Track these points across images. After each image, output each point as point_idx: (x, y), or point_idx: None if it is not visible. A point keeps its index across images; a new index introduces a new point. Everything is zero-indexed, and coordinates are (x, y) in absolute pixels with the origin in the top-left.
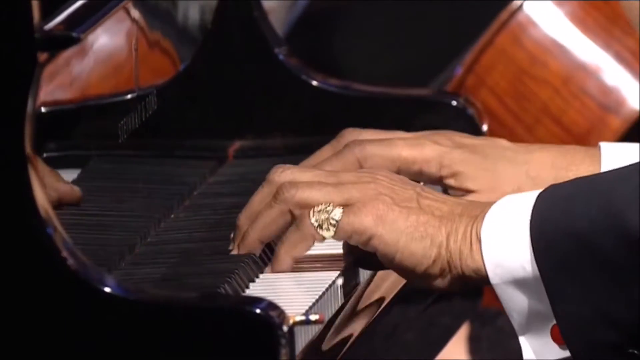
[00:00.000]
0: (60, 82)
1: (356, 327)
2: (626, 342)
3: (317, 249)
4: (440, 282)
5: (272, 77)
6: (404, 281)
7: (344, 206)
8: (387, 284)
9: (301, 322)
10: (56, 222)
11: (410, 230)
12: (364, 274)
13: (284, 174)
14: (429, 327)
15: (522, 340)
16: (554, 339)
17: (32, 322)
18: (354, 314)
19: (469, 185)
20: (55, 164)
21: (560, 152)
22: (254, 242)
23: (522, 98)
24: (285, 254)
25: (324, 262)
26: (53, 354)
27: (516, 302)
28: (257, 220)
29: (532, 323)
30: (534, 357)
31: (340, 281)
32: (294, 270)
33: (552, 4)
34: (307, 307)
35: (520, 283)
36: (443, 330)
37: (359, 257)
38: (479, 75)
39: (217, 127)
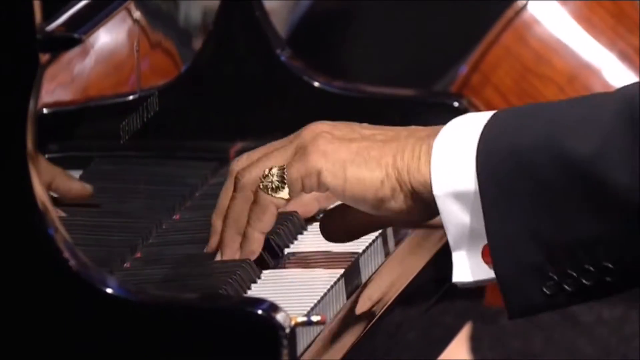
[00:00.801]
0: (62, 83)
1: (358, 327)
2: (549, 264)
3: (319, 249)
4: (394, 204)
5: (274, 78)
6: (407, 281)
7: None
8: (390, 283)
9: (303, 323)
10: (58, 223)
11: (352, 157)
12: (366, 274)
13: (239, 161)
14: (431, 326)
15: (455, 256)
16: (484, 259)
17: (34, 322)
18: (356, 314)
19: None
20: (57, 165)
21: None
22: (232, 237)
23: (527, 96)
24: (253, 231)
25: (325, 262)
26: (54, 354)
27: (454, 216)
28: (227, 215)
29: (466, 239)
30: (463, 274)
31: (342, 282)
32: (295, 269)
33: (556, 2)
34: (309, 308)
35: (460, 197)
36: (445, 330)
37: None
38: (484, 74)
39: (219, 128)
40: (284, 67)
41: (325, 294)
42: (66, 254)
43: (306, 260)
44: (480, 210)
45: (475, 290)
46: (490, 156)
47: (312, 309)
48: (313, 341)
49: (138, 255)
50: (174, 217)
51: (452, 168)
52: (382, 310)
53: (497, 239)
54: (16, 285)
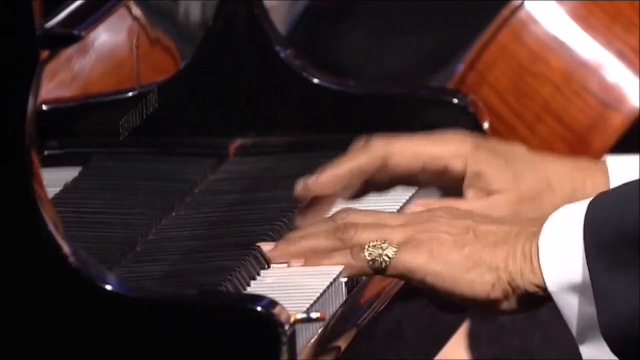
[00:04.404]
0: (62, 79)
1: (358, 324)
2: None
3: None
4: (506, 305)
5: (273, 75)
6: None
7: (398, 245)
8: (390, 279)
9: (302, 320)
10: (57, 220)
11: (463, 261)
12: None
13: (349, 216)
14: (431, 322)
15: (582, 350)
16: None
17: (33, 319)
18: (355, 311)
19: (491, 185)
20: (57, 161)
21: (575, 166)
22: (293, 255)
23: (523, 95)
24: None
25: None
26: (54, 351)
27: (573, 309)
28: (307, 238)
29: (589, 330)
30: None
31: (342, 278)
32: (295, 266)
33: (553, 1)
34: (308, 305)
35: (576, 289)
36: (446, 326)
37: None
38: (480, 73)
39: (218, 124)
40: (283, 64)
41: (324, 291)
42: (65, 251)
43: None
44: None
45: None
46: (597, 242)
47: (311, 305)
48: (313, 338)
49: (137, 251)
50: (173, 213)
51: (562, 261)
52: (382, 306)
53: (607, 320)
54: (15, 282)
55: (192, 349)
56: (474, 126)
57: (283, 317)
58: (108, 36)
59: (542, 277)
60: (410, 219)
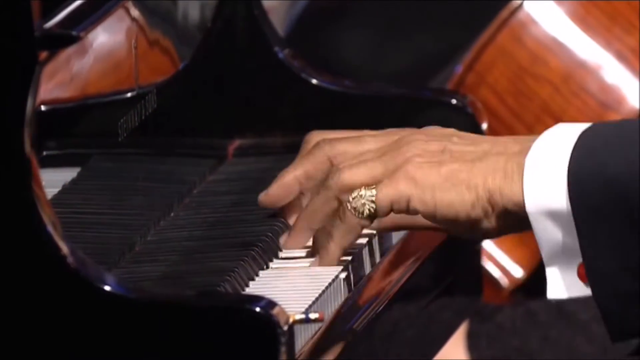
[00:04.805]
0: (60, 80)
1: (357, 325)
2: None
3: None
4: (487, 224)
5: (272, 76)
6: (405, 278)
7: (376, 184)
8: (388, 280)
9: (301, 321)
10: (56, 220)
11: (441, 182)
12: (365, 271)
13: (329, 146)
14: (429, 323)
15: (548, 272)
16: (580, 277)
17: (32, 320)
18: (354, 312)
19: None
20: (55, 162)
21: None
22: (302, 229)
23: (523, 96)
24: (335, 247)
25: None
26: (53, 352)
27: (548, 234)
28: (306, 208)
29: (560, 257)
30: (558, 291)
31: (340, 279)
32: (294, 266)
33: (552, 2)
34: (307, 306)
35: (554, 215)
36: (444, 327)
37: None
38: (479, 74)
39: (217, 125)
40: (282, 65)
41: (323, 292)
42: (64, 251)
43: (304, 258)
44: (574, 228)
45: (473, 287)
46: (582, 182)
47: (310, 306)
48: (311, 338)
49: (136, 252)
50: (172, 214)
51: (545, 186)
52: (381, 307)
53: (593, 266)
54: (14, 283)
55: (190, 350)
56: (472, 127)
57: (282, 318)
58: (107, 37)
59: (523, 197)
60: (386, 148)
